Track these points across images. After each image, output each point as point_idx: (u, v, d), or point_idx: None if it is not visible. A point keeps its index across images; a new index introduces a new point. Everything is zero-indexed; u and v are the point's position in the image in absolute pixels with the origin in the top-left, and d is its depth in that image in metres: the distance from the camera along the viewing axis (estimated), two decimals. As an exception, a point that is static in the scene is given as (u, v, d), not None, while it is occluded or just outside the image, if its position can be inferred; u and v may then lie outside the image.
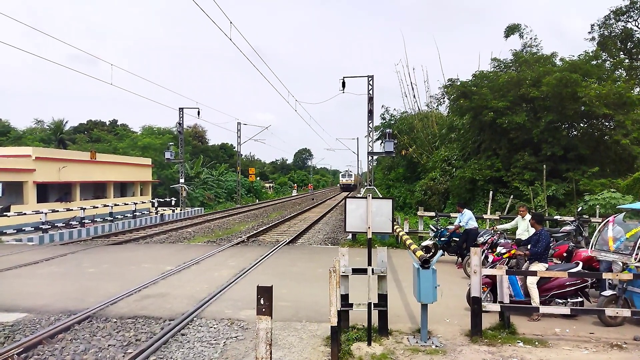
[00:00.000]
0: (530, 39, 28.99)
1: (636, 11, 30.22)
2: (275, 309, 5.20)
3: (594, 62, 23.02)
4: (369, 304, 6.72)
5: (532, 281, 7.77)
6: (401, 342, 6.75)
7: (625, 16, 30.74)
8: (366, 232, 6.92)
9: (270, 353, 5.08)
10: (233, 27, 14.51)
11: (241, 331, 7.24)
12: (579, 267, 8.31)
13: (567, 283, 8.01)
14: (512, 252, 8.70)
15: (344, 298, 6.94)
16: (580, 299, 8.10)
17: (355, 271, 7.11)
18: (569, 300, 8.04)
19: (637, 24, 30.80)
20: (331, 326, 6.03)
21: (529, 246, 8.42)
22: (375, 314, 6.89)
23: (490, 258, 9.26)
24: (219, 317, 7.85)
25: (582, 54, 23.11)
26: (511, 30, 29.71)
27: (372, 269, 6.90)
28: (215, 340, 6.87)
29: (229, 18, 14.27)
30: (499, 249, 9.24)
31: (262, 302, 5.07)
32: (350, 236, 17.46)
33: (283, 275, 11.28)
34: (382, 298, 7.06)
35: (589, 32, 32.28)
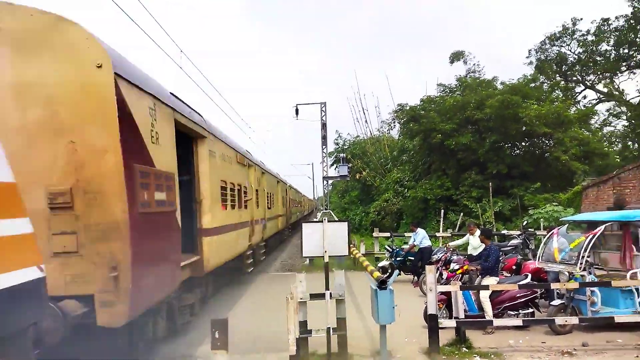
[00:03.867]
0: (474, 64, 30.49)
1: (568, 37, 32.40)
2: (233, 342, 5.06)
3: (533, 85, 24.45)
4: (328, 329, 6.67)
5: (484, 295, 7.98)
6: (361, 365, 6.71)
7: (559, 41, 32.88)
8: (323, 256, 6.92)
9: (228, 386, 4.91)
10: (183, 55, 14.43)
11: (197, 366, 6.98)
12: (528, 279, 8.60)
13: (518, 295, 8.27)
14: (465, 267, 8.92)
15: (303, 325, 6.84)
16: (531, 310, 8.37)
17: (314, 297, 7.05)
18: (520, 311, 8.29)
19: (569, 48, 33.00)
20: (290, 355, 5.93)
21: (480, 261, 8.67)
22: (334, 338, 6.83)
23: (445, 275, 9.45)
24: (172, 356, 7.54)
25: (522, 77, 24.51)
26: (455, 56, 31.12)
27: (330, 294, 6.88)
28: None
29: (180, 47, 14.24)
30: (452, 265, 9.46)
31: (216, 335, 4.89)
32: (307, 261, 17.35)
33: (238, 306, 11.03)
34: (341, 322, 7.01)
35: (527, 57, 34.30)
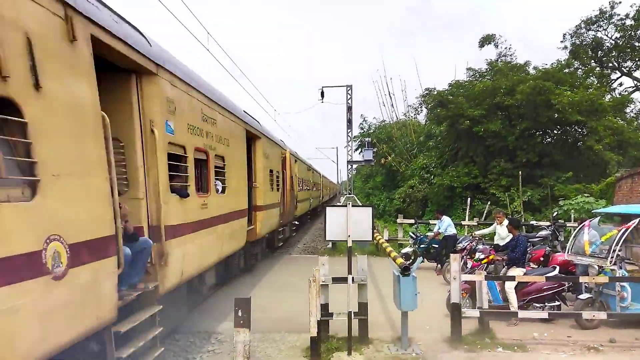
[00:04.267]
0: (505, 48, 29.55)
1: (605, 21, 31.11)
2: (254, 320, 5.10)
3: (567, 71, 23.61)
4: (349, 313, 6.66)
5: (510, 286, 7.83)
6: (381, 350, 6.70)
7: (595, 25, 31.61)
8: (346, 241, 6.88)
9: (248, 366, 4.97)
10: (210, 38, 14.42)
11: (218, 344, 7.09)
12: (556, 272, 8.40)
13: (545, 287, 8.09)
14: (491, 257, 8.76)
15: (324, 307, 6.87)
16: (557, 303, 8.18)
17: (335, 280, 7.06)
18: (546, 304, 8.12)
19: (606, 33, 31.71)
20: (311, 336, 5.96)
21: (507, 251, 8.49)
22: (355, 322, 6.83)
23: (470, 264, 9.31)
24: (195, 330, 7.67)
25: (555, 63, 23.69)
26: (486, 40, 30.23)
27: (352, 278, 6.85)
28: (191, 354, 6.70)
29: (207, 29, 14.19)
30: (478, 255, 9.31)
31: (239, 314, 4.96)
32: (329, 245, 17.38)
33: (261, 286, 11.14)
34: (363, 307, 7.01)
35: (561, 42, 33.07)
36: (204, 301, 9.05)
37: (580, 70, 28.13)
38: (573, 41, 32.49)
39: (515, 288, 7.86)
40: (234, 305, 4.91)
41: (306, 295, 6.08)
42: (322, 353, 6.34)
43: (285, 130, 66.72)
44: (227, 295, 9.72)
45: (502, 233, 10.36)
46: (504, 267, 8.45)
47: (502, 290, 8.01)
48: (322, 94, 25.82)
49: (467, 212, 17.72)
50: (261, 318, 8.10)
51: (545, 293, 8.11)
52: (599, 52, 32.22)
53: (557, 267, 8.60)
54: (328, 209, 7.12)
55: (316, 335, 5.91)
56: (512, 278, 7.69)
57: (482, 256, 9.03)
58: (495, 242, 10.52)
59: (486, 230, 11.92)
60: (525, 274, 8.09)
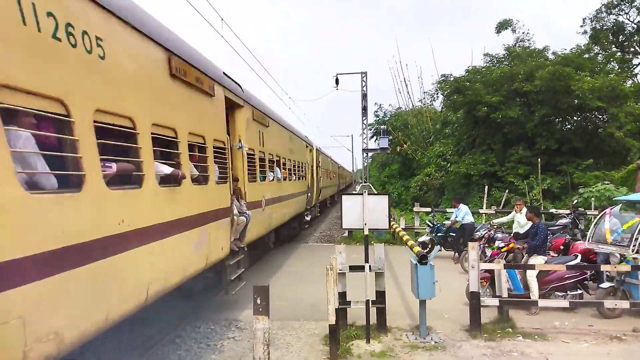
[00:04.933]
0: (523, 33, 28.96)
1: (627, 4, 30.27)
2: (273, 309, 5.13)
3: (587, 56, 23.04)
4: (367, 301, 6.66)
5: (531, 274, 7.74)
6: (400, 338, 6.70)
7: (616, 9, 30.77)
8: (363, 229, 6.86)
9: (269, 353, 5.01)
10: (224, 24, 14.38)
11: (238, 332, 7.16)
12: (578, 259, 8.28)
13: (567, 276, 7.98)
14: (511, 245, 8.66)
15: (342, 296, 6.87)
16: (579, 292, 8.07)
17: (353, 268, 7.06)
18: (568, 292, 8.01)
19: (628, 17, 30.87)
20: (329, 324, 5.97)
21: (527, 239, 8.40)
22: (373, 311, 6.83)
23: (489, 252, 9.23)
24: (216, 318, 7.76)
25: (575, 48, 23.13)
26: (503, 25, 29.65)
27: (370, 266, 6.85)
28: (212, 341, 6.79)
29: (220, 15, 14.16)
30: (497, 243, 9.22)
31: (258, 301, 4.99)
32: (346, 233, 17.39)
33: (279, 274, 11.21)
34: (380, 295, 7.01)
35: (581, 26, 32.27)
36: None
37: (600, 55, 27.48)
38: (593, 25, 31.69)
39: (536, 276, 7.78)
40: (253, 293, 4.94)
41: (323, 283, 6.09)
42: (341, 341, 6.37)
43: (300, 119, 66.50)
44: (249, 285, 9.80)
45: (521, 221, 10.24)
46: (524, 255, 8.35)
47: (523, 278, 7.93)
48: (337, 80, 25.55)
49: (485, 200, 17.53)
50: (279, 306, 8.16)
51: (567, 282, 8.01)
52: (620, 36, 31.40)
53: (580, 256, 8.48)
54: (344, 198, 7.09)
55: (334, 323, 5.92)
56: (532, 267, 7.60)
57: (502, 244, 8.94)
58: (514, 230, 10.41)
59: (504, 219, 11.80)
60: (546, 262, 7.99)
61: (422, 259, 6.65)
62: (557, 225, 12.30)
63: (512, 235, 9.62)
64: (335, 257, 6.57)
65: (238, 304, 8.45)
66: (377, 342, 6.53)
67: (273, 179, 11.69)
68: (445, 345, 6.43)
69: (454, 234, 12.45)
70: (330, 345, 6.03)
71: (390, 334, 6.85)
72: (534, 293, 7.66)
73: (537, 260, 7.90)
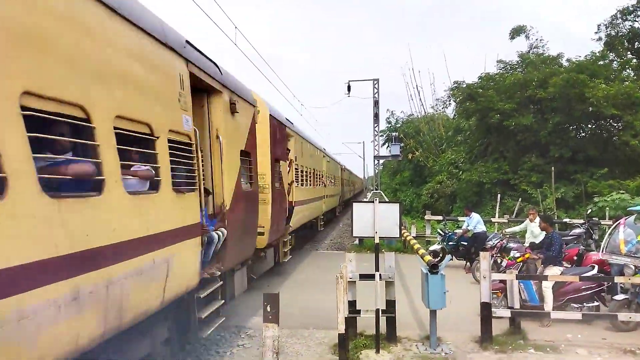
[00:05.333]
0: (536, 40, 28.77)
1: (643, 11, 29.89)
2: (282, 316, 5.13)
3: (601, 63, 22.83)
4: (377, 310, 6.62)
5: (547, 285, 7.64)
6: (410, 349, 6.66)
7: (632, 15, 30.40)
8: (373, 237, 6.84)
9: (278, 362, 5.01)
10: (238, 32, 14.51)
11: (247, 339, 7.17)
12: (595, 271, 8.14)
13: (583, 287, 7.85)
14: (527, 256, 8.55)
15: (352, 304, 6.85)
16: (596, 303, 7.94)
17: (363, 277, 7.03)
18: (584, 304, 7.89)
19: (644, 23, 30.47)
20: (339, 333, 5.95)
21: (542, 249, 8.31)
22: (383, 320, 6.79)
23: (504, 263, 9.10)
24: (226, 325, 7.77)
25: (589, 55, 22.95)
26: (516, 31, 29.47)
27: (380, 275, 6.82)
28: (221, 348, 6.80)
29: (234, 23, 14.29)
30: (513, 253, 9.12)
31: (268, 309, 5.00)
32: (357, 241, 17.35)
33: (289, 281, 11.21)
34: (390, 304, 6.97)
35: (596, 32, 31.86)
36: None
37: (615, 62, 27.14)
38: (608, 32, 31.32)
39: (552, 287, 7.68)
40: (262, 301, 4.96)
41: (333, 291, 6.08)
42: (350, 350, 6.34)
43: (311, 125, 66.69)
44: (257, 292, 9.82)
45: (535, 230, 10.13)
46: (540, 266, 8.26)
47: (538, 289, 7.84)
48: (349, 87, 25.74)
49: (497, 209, 17.38)
50: (289, 314, 8.16)
51: (583, 293, 7.88)
52: (636, 43, 30.98)
53: (596, 267, 8.34)
54: (355, 205, 7.09)
55: (344, 332, 5.90)
56: (545, 277, 7.51)
57: (518, 254, 8.82)
58: (527, 240, 10.31)
59: (517, 228, 11.69)
60: (562, 273, 7.89)
61: (433, 269, 6.61)
62: (571, 235, 12.14)
63: (527, 245, 9.52)
64: (345, 266, 6.56)
65: (248, 312, 8.46)
66: (387, 352, 6.49)
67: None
68: (456, 356, 6.37)
69: (466, 243, 12.34)
70: (339, 354, 6.01)
71: (400, 344, 6.81)
72: (548, 304, 7.56)
73: (553, 271, 7.80)
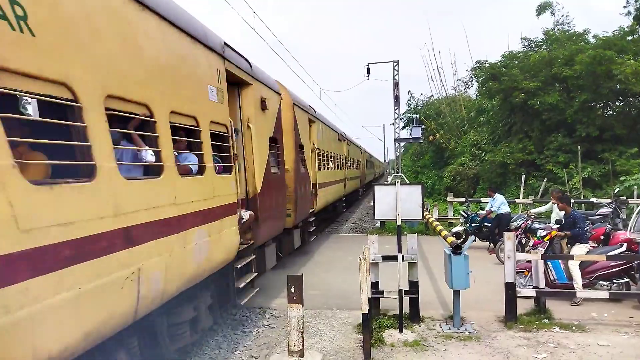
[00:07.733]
0: (562, 16, 27.94)
1: (676, -18, 28.65)
2: (306, 297, 5.22)
3: (630, 38, 22.03)
4: (400, 291, 6.67)
5: (573, 263, 7.57)
6: (433, 328, 6.70)
7: (664, -13, 29.19)
8: (395, 220, 6.85)
9: (303, 340, 5.12)
10: (256, 17, 14.51)
11: (272, 319, 7.32)
12: (624, 248, 7.99)
13: (612, 264, 7.74)
14: (553, 233, 8.44)
15: (374, 286, 6.91)
16: (625, 280, 7.81)
17: (385, 258, 7.08)
18: (614, 281, 7.77)
19: (676, -4, 29.23)
20: (362, 313, 6.01)
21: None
22: (406, 301, 6.84)
23: (531, 242, 9.01)
24: (251, 305, 7.94)
25: (617, 30, 22.16)
26: (543, 8, 28.64)
27: (402, 256, 6.84)
28: (247, 328, 6.96)
29: (252, 8, 14.27)
30: (539, 232, 9.02)
31: (292, 290, 5.10)
32: (378, 224, 17.37)
33: (311, 264, 11.34)
34: (413, 285, 7.00)
35: (624, 7, 30.78)
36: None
37: (646, 36, 26.19)
38: (637, 6, 30.21)
39: (580, 266, 7.60)
40: (287, 282, 5.05)
41: (356, 273, 6.13)
42: (374, 330, 6.41)
43: (330, 109, 66.32)
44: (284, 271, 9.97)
45: (561, 212, 9.99)
46: (567, 245, 8.16)
47: (566, 268, 7.76)
48: (368, 70, 25.33)
49: (522, 189, 17.13)
50: (312, 295, 8.28)
51: (612, 270, 7.76)
52: (668, 16, 29.80)
53: (625, 244, 8.18)
54: (376, 188, 7.09)
55: (367, 312, 5.96)
56: (571, 257, 7.42)
57: (544, 233, 8.72)
58: (552, 220, 10.18)
59: (542, 209, 11.53)
60: (589, 251, 7.79)
61: (456, 249, 6.60)
62: (598, 215, 11.93)
63: (554, 224, 9.40)
64: (367, 247, 6.60)
65: (272, 292, 8.61)
66: (410, 331, 6.55)
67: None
68: (480, 335, 6.38)
69: (489, 224, 12.24)
70: (364, 334, 6.07)
71: (423, 324, 6.85)
72: (577, 282, 7.48)
73: (580, 248, 7.70)
